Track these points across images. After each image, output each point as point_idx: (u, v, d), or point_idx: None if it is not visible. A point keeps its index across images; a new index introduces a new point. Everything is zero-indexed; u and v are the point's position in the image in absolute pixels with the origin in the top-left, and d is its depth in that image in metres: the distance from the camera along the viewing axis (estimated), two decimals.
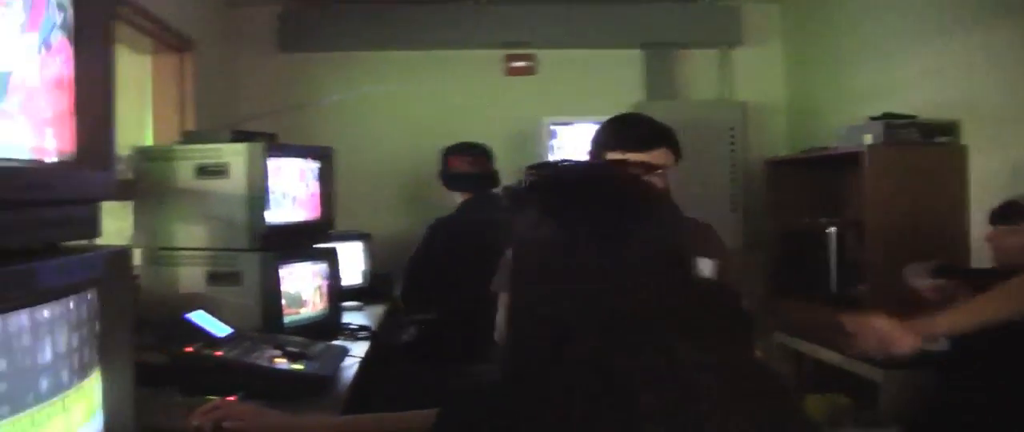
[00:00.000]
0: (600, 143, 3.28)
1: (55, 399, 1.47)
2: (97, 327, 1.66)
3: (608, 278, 1.57)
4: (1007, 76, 4.60)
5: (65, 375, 1.52)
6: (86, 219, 1.71)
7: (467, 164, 5.28)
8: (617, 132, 3.30)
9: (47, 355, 1.45)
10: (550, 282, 1.60)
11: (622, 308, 1.56)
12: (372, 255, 5.99)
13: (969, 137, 4.90)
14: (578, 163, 2.01)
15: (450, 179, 5.37)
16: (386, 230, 6.37)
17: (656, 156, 3.19)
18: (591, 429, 1.49)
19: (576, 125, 6.20)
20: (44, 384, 1.44)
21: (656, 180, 3.08)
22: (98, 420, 1.68)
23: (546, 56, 7.06)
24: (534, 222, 1.64)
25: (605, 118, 3.40)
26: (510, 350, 1.67)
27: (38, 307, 1.43)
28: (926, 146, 4.93)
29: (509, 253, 1.71)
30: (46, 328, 1.45)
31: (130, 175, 3.96)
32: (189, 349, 3.02)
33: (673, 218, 1.71)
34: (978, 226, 4.73)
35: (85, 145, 1.70)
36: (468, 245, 3.28)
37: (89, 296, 1.62)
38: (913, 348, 2.93)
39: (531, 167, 1.75)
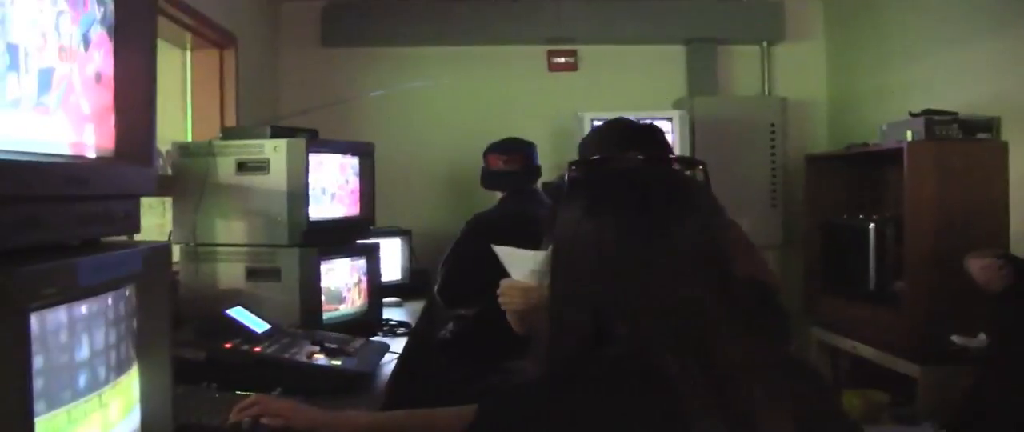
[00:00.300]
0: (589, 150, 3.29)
1: (92, 395, 1.48)
2: (135, 323, 1.66)
3: (652, 274, 1.56)
4: None
5: (102, 371, 1.52)
6: (126, 215, 1.71)
7: (503, 162, 5.26)
8: (600, 140, 3.31)
9: (84, 351, 1.45)
10: (593, 278, 1.59)
11: (665, 305, 1.55)
12: (412, 251, 5.99)
13: (1009, 134, 4.86)
14: (623, 160, 2.01)
15: (484, 177, 5.36)
16: (426, 226, 6.37)
17: None
18: (632, 426, 1.48)
19: None
20: (81, 380, 1.44)
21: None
22: (136, 416, 1.69)
23: (588, 52, 7.03)
24: (577, 217, 1.63)
25: (646, 114, 3.40)
26: (548, 346, 1.66)
27: (76, 303, 1.43)
28: (966, 142, 4.89)
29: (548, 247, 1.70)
30: (84, 324, 1.45)
31: (169, 171, 3.97)
32: (228, 345, 3.02)
33: (716, 214, 1.70)
34: (1018, 222, 4.69)
35: (125, 141, 1.70)
36: (506, 241, 3.26)
37: (127, 292, 1.63)
38: None
39: (574, 163, 1.75)
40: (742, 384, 1.49)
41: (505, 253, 2.91)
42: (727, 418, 1.46)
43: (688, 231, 1.59)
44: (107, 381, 1.53)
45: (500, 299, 2.84)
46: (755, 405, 1.48)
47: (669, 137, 6.07)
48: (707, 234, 1.62)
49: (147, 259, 1.66)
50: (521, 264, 2.85)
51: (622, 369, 1.53)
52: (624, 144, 3.24)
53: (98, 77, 1.62)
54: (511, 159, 5.24)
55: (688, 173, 2.09)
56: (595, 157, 1.81)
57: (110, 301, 1.55)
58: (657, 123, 6.02)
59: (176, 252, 3.76)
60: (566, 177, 1.70)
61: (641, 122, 3.43)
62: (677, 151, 6.12)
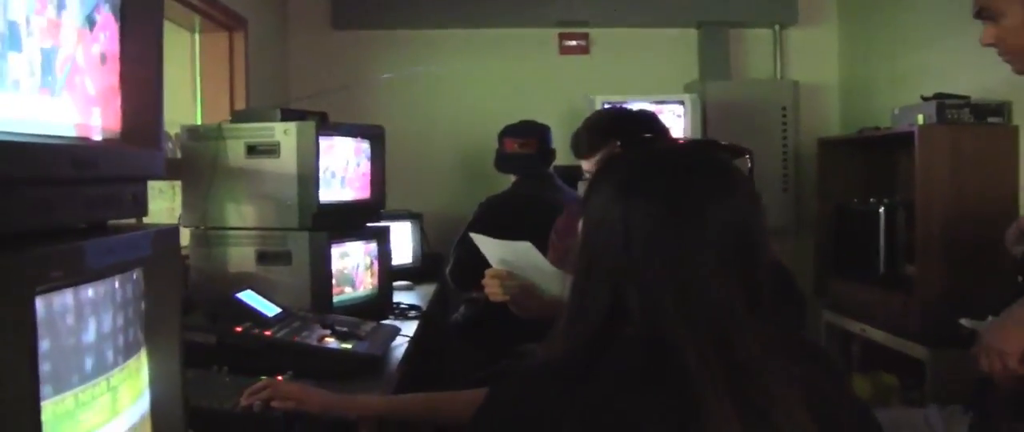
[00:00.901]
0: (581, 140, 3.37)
1: (100, 379, 1.47)
2: (143, 307, 1.65)
3: (678, 258, 1.56)
4: None
5: (110, 355, 1.51)
6: (133, 198, 1.69)
7: (518, 145, 5.27)
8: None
9: (91, 335, 1.44)
10: (618, 257, 1.58)
11: (687, 290, 1.54)
12: (423, 235, 5.99)
13: (1020, 118, 4.83)
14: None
15: (499, 160, 5.37)
16: (438, 210, 6.36)
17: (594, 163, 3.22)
18: (644, 412, 1.47)
19: (630, 104, 6.18)
20: (89, 364, 1.43)
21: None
22: (145, 400, 1.68)
23: (600, 35, 6.99)
24: (611, 196, 1.63)
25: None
26: (566, 326, 1.65)
27: (83, 286, 1.42)
28: (978, 126, 4.87)
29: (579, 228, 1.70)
30: (91, 308, 1.44)
31: (179, 154, 3.96)
32: (238, 329, 3.02)
33: (753, 202, 1.68)
34: None
35: (132, 123, 1.69)
36: (517, 223, 3.26)
37: (135, 276, 1.61)
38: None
39: (621, 143, 1.74)
40: (757, 372, 1.49)
41: (481, 241, 2.91)
42: (740, 405, 1.45)
43: (721, 217, 1.58)
44: (115, 365, 1.52)
45: (486, 291, 2.85)
46: (769, 392, 1.47)
47: (681, 121, 6.11)
48: (741, 222, 1.61)
49: (155, 242, 1.65)
50: (496, 253, 2.85)
51: (636, 353, 1.53)
52: (605, 137, 3.28)
53: (103, 58, 1.60)
54: (526, 142, 5.25)
55: (735, 161, 2.08)
56: (644, 137, 1.81)
57: (117, 284, 1.54)
58: (669, 107, 6.07)
59: (186, 236, 3.76)
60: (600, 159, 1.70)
61: (635, 109, 3.45)
62: (689, 134, 6.12)
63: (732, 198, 1.62)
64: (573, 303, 1.65)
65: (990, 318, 3.14)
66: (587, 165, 3.37)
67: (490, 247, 2.88)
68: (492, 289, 2.82)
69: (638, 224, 1.58)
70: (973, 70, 5.08)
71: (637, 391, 1.49)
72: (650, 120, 3.41)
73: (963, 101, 4.89)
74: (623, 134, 3.25)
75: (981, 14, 2.79)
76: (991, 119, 4.87)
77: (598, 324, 1.58)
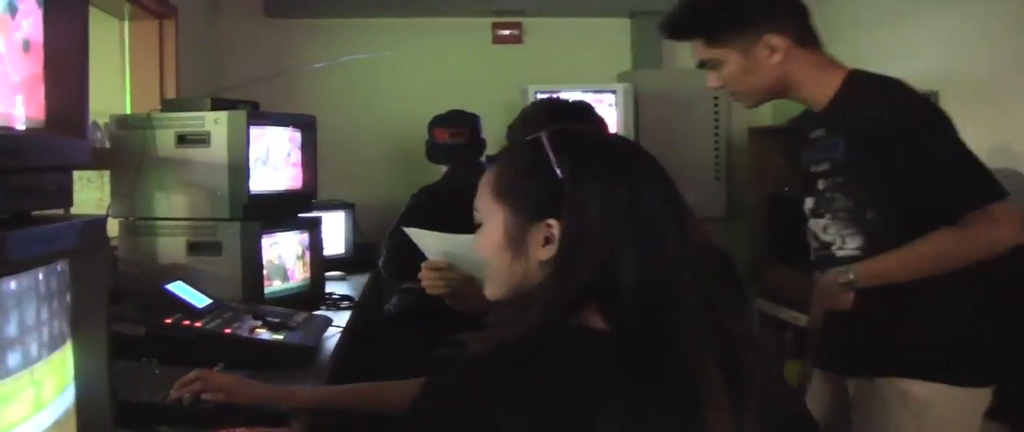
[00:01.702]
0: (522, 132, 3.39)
1: (23, 373, 1.44)
2: (69, 299, 1.63)
3: (651, 238, 1.57)
4: (984, 51, 4.61)
5: (34, 349, 1.48)
6: (58, 188, 1.67)
7: (449, 135, 5.27)
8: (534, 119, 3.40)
9: (14, 328, 1.42)
10: (602, 241, 1.59)
11: (652, 268, 1.55)
12: (356, 225, 5.97)
13: (946, 108, 4.88)
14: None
15: (430, 150, 5.37)
16: (370, 200, 6.33)
17: None
18: (592, 398, 1.47)
19: (563, 94, 6.18)
20: (11, 358, 1.41)
21: None
22: (70, 393, 1.65)
23: (534, 24, 6.99)
24: (600, 186, 1.63)
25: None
26: (522, 312, 1.65)
27: (5, 279, 1.39)
28: None
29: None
30: (13, 300, 1.42)
31: (107, 144, 3.93)
32: (168, 320, 3.00)
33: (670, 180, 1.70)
34: None
35: (57, 112, 1.66)
36: (450, 214, 3.26)
37: (60, 267, 1.59)
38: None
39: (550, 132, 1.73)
40: (701, 360, 1.50)
41: (418, 235, 2.89)
42: (688, 395, 1.47)
43: (660, 197, 1.60)
44: (39, 358, 1.50)
45: (423, 283, 2.84)
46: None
47: (613, 110, 6.12)
48: (679, 201, 1.64)
49: (81, 233, 1.63)
50: (434, 246, 2.84)
51: (589, 341, 1.53)
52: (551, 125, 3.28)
53: (27, 45, 1.58)
54: (457, 132, 5.25)
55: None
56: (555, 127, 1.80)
57: (41, 277, 1.51)
58: (601, 95, 6.08)
59: (115, 226, 3.73)
60: (547, 144, 1.68)
61: (571, 100, 3.48)
62: (621, 124, 6.15)
63: (665, 179, 1.66)
64: (550, 287, 1.63)
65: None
66: None
67: (429, 240, 2.86)
68: (432, 281, 2.81)
69: (611, 209, 1.58)
70: (902, 60, 5.13)
71: (590, 377, 1.49)
72: (586, 111, 3.42)
73: None
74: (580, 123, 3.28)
75: (705, 65, 2.99)
76: None
77: (561, 310, 1.58)
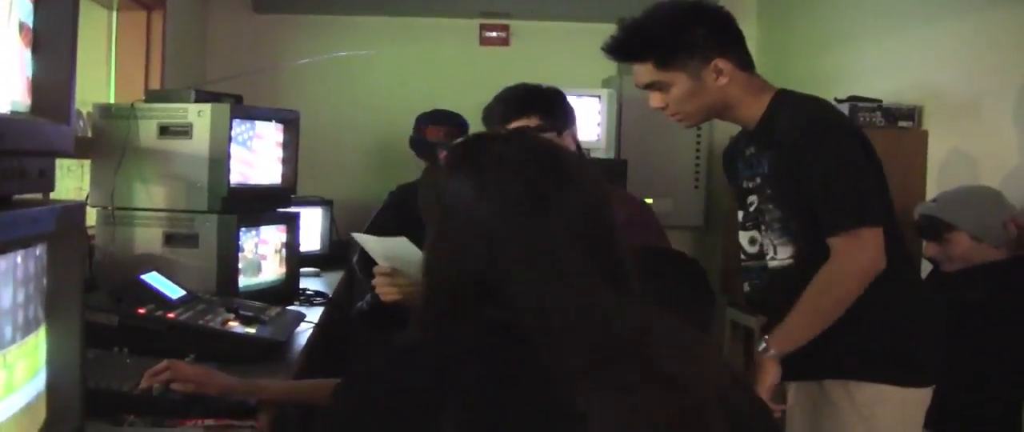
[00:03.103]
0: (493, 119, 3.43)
1: None
2: (45, 283, 1.64)
3: (534, 247, 1.58)
4: (968, 66, 4.63)
5: (8, 331, 1.50)
6: (41, 173, 1.67)
7: (444, 135, 5.28)
8: (503, 107, 3.54)
9: None
10: (474, 249, 1.61)
11: (545, 277, 1.56)
12: (333, 221, 5.97)
13: (930, 123, 4.93)
14: (492, 138, 2.04)
15: (419, 146, 5.37)
16: (349, 196, 6.34)
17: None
18: (498, 395, 1.49)
19: None
20: None
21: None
22: (41, 378, 1.67)
23: (521, 27, 7.01)
24: (464, 198, 1.65)
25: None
26: (422, 308, 1.68)
27: None
28: (889, 130, 4.94)
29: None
30: None
31: (90, 133, 3.93)
32: (141, 311, 3.00)
33: (596, 184, 1.72)
34: None
35: (42, 96, 1.67)
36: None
37: (37, 252, 1.60)
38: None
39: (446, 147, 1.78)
40: (628, 357, 1.51)
41: (364, 240, 2.89)
42: (609, 385, 1.47)
43: (566, 203, 1.61)
44: (13, 341, 1.51)
45: (377, 290, 2.85)
46: (636, 379, 1.49)
47: (597, 115, 6.12)
48: (587, 205, 1.64)
49: (60, 218, 1.64)
50: (378, 251, 2.83)
51: (496, 335, 1.55)
52: (522, 110, 3.33)
53: (21, 28, 1.59)
54: (451, 132, 5.26)
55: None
56: (463, 139, 1.86)
57: (19, 260, 1.53)
58: (585, 100, 6.08)
59: (93, 216, 3.73)
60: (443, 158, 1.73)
61: (543, 87, 3.51)
62: (604, 129, 6.16)
63: (573, 183, 1.65)
64: (428, 285, 1.67)
65: None
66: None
67: (372, 245, 2.85)
68: (383, 287, 2.81)
69: (487, 217, 1.60)
70: (887, 74, 5.17)
71: (498, 373, 1.51)
72: (562, 98, 3.49)
73: (875, 104, 4.97)
74: (540, 108, 3.32)
75: (651, 86, 3.16)
76: (902, 123, 4.95)
77: (451, 305, 1.61)
